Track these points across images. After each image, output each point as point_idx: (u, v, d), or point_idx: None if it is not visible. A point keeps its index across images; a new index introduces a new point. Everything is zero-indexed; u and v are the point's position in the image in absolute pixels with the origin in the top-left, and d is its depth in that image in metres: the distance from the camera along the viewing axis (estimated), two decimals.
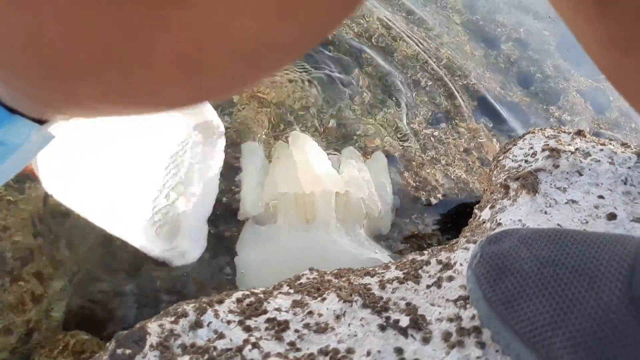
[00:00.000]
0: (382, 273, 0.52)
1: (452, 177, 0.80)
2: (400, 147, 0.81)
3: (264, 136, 0.76)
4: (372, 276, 0.52)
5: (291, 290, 0.51)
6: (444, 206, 0.78)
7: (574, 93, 1.04)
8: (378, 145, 0.81)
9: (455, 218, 0.77)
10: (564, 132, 0.67)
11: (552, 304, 0.40)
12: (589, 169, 0.59)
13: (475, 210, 0.61)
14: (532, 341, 0.40)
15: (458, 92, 0.95)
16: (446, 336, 0.45)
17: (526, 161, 0.62)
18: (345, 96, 0.87)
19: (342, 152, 0.76)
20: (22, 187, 0.68)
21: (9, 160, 0.37)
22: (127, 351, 0.43)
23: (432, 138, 0.85)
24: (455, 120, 0.89)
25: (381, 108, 0.87)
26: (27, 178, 0.68)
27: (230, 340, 0.45)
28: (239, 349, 0.44)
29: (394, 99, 0.89)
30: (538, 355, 0.40)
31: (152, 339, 0.44)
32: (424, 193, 0.78)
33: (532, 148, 0.63)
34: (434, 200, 0.78)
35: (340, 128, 0.82)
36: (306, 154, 0.67)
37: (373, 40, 0.97)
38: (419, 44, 1.00)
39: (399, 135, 0.84)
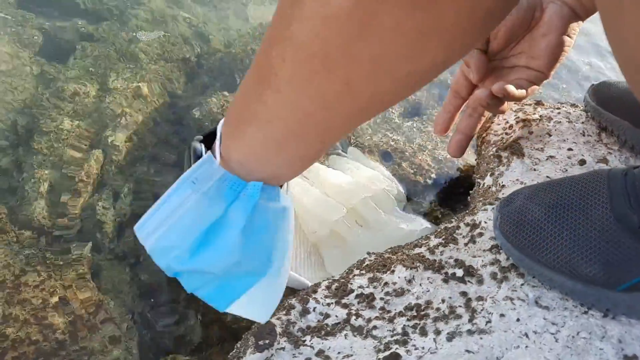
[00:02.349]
0: (426, 243, 0.66)
1: (440, 158, 0.96)
2: (391, 142, 0.96)
3: None
4: (420, 247, 0.66)
5: (363, 272, 0.64)
6: (439, 184, 0.93)
7: None
8: (372, 143, 0.95)
9: (451, 190, 0.92)
10: (526, 104, 0.83)
11: (564, 236, 0.55)
12: (555, 129, 0.76)
13: (478, 180, 0.76)
14: (558, 266, 0.55)
15: None
16: (493, 276, 0.59)
17: (506, 133, 0.78)
18: None
19: (347, 152, 0.90)
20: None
21: (290, 219, 0.53)
22: (266, 341, 0.55)
23: (413, 129, 1.00)
24: (427, 109, 1.05)
25: None
26: None
27: (336, 316, 0.58)
28: (346, 321, 0.57)
29: None
30: (565, 274, 0.55)
31: (277, 329, 0.56)
32: (421, 177, 0.92)
33: (507, 122, 0.79)
34: (429, 181, 0.93)
35: None
36: (325, 181, 0.79)
37: None
38: None
39: (385, 131, 0.98)
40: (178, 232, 0.49)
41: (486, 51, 0.69)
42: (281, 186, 0.54)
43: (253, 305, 0.54)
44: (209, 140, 0.55)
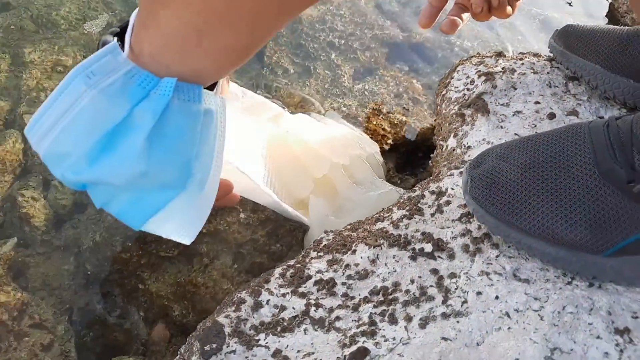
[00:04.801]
0: (389, 216, 0.59)
1: (396, 122, 0.89)
2: (343, 108, 0.88)
3: None
4: (382, 221, 0.59)
5: (320, 254, 0.56)
6: (396, 149, 0.86)
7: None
8: (322, 109, 0.87)
9: (409, 155, 0.86)
10: (487, 56, 0.76)
11: (544, 198, 0.49)
12: (520, 82, 0.70)
13: (440, 142, 0.70)
14: (538, 232, 0.49)
15: (371, 45, 1.02)
16: (465, 248, 0.53)
17: (468, 89, 0.71)
18: (265, 72, 0.91)
19: (326, 115, 0.83)
20: None
21: (218, 125, 0.46)
22: (213, 345, 0.47)
23: (365, 92, 0.92)
24: (379, 71, 0.97)
25: (307, 76, 0.93)
26: None
27: (293, 308, 0.50)
28: (305, 313, 0.50)
29: (314, 65, 0.95)
30: (546, 240, 0.49)
31: (226, 330, 0.49)
32: (377, 142, 0.85)
33: (468, 77, 0.72)
34: (386, 147, 0.86)
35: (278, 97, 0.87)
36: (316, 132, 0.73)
37: None
38: (320, 7, 1.06)
39: (335, 97, 0.90)
40: (72, 136, 0.42)
41: None
42: (211, 88, 0.47)
43: (173, 223, 0.47)
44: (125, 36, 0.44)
